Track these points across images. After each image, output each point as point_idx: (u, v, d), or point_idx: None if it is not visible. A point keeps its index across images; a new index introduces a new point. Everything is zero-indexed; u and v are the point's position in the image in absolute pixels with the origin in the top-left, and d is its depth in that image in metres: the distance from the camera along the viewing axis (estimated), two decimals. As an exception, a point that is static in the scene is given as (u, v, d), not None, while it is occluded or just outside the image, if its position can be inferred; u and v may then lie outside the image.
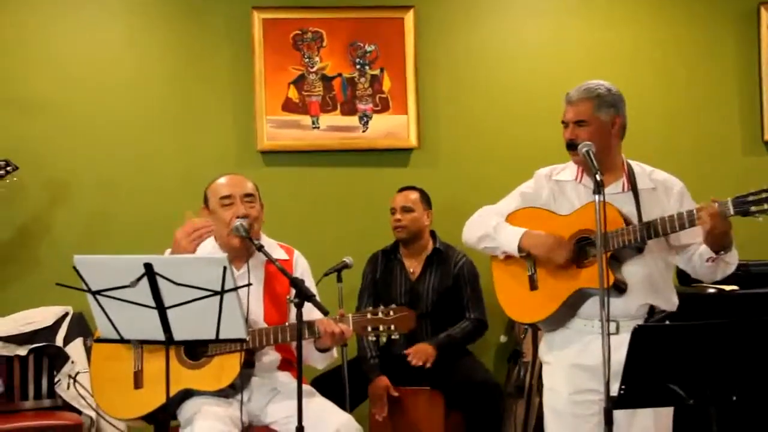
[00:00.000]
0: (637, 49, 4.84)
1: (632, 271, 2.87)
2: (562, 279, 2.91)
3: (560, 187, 3.01)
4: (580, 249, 2.91)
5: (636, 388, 2.36)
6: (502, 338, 4.58)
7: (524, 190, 3.09)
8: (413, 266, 4.19)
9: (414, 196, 4.22)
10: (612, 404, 2.47)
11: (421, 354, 3.93)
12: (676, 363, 2.33)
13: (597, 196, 2.61)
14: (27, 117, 4.43)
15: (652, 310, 2.87)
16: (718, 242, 2.75)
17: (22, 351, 4.15)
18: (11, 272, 4.40)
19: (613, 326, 2.81)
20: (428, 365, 3.90)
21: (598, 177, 2.62)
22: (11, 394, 4.13)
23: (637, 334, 2.31)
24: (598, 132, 2.88)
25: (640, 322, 2.81)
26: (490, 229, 3.05)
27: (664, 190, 2.92)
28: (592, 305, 2.87)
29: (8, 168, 4.03)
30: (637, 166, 2.98)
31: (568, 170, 3.02)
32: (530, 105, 4.73)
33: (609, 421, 2.51)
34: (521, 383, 4.17)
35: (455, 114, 4.74)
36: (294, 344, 3.02)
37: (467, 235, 3.15)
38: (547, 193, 3.02)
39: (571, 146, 2.90)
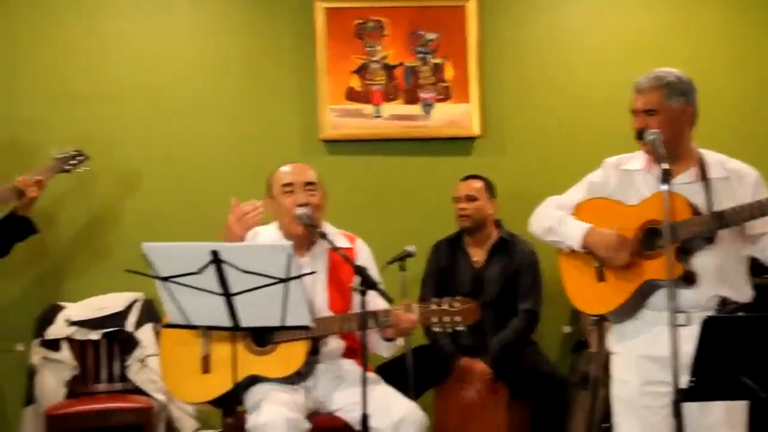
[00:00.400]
0: (711, 34, 4.73)
1: (702, 262, 2.80)
2: (630, 271, 2.86)
3: (628, 177, 2.96)
4: (649, 240, 2.86)
5: (706, 380, 2.31)
6: (567, 329, 4.54)
7: (592, 180, 3.05)
8: (477, 255, 4.18)
9: (478, 185, 4.21)
10: (681, 396, 2.43)
11: (477, 382, 3.94)
12: (747, 355, 2.27)
13: (664, 186, 2.57)
14: (97, 107, 4.52)
15: (724, 301, 2.81)
16: None
17: (95, 335, 4.26)
18: (85, 260, 4.51)
19: (683, 318, 2.76)
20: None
21: (664, 166, 2.57)
22: (86, 376, 4.24)
23: (707, 325, 2.27)
24: (668, 121, 2.82)
25: (711, 313, 2.74)
26: (554, 222, 3.03)
27: (737, 179, 2.85)
28: (661, 296, 2.82)
29: (80, 158, 4.11)
30: (710, 155, 2.91)
31: (637, 159, 2.97)
32: (597, 92, 4.66)
33: (678, 414, 2.47)
34: (586, 374, 4.13)
35: (520, 102, 4.70)
36: (359, 332, 3.04)
37: (533, 226, 3.12)
38: (615, 182, 2.98)
39: (641, 136, 2.85)
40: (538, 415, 3.88)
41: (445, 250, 4.25)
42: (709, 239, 2.78)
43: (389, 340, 3.22)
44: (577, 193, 3.06)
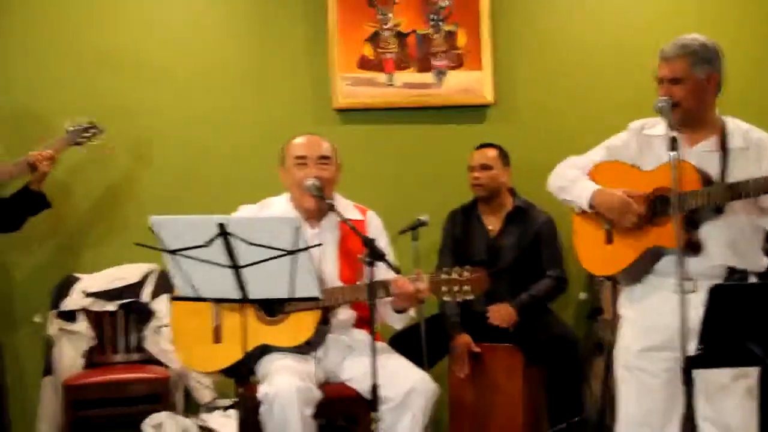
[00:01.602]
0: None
1: (710, 232, 2.79)
2: (637, 235, 2.87)
3: (648, 142, 2.95)
4: (657, 206, 2.85)
5: (714, 347, 2.30)
6: (582, 295, 4.53)
7: (612, 143, 3.04)
8: (492, 223, 4.17)
9: (492, 153, 4.18)
10: (689, 363, 2.42)
11: (502, 316, 3.92)
12: (755, 322, 2.26)
13: (671, 153, 2.55)
14: (110, 78, 4.52)
15: (732, 270, 2.79)
16: None
17: (112, 306, 4.30)
18: (101, 232, 4.54)
19: (690, 285, 2.74)
20: (510, 329, 3.89)
21: (672, 134, 2.56)
22: (103, 347, 4.29)
23: (714, 293, 2.26)
24: (693, 89, 2.80)
25: (719, 281, 2.73)
26: (567, 182, 3.05)
27: (756, 150, 2.81)
28: (667, 263, 2.83)
29: (93, 130, 4.11)
30: (734, 124, 2.87)
31: (660, 125, 2.93)
32: (610, 59, 4.60)
33: (688, 381, 2.46)
34: (601, 340, 4.12)
35: (532, 69, 4.65)
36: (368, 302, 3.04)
37: (551, 184, 3.14)
38: (635, 146, 2.97)
39: None
40: (554, 380, 3.88)
41: (460, 219, 4.24)
42: (718, 210, 2.76)
43: (400, 311, 3.22)
44: (595, 155, 3.06)
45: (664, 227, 2.81)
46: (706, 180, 2.76)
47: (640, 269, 2.90)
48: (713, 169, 2.79)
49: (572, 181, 3.03)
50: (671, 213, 2.69)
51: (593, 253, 3.01)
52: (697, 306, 2.59)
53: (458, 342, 3.96)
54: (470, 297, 3.06)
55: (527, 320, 3.95)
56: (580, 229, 3.07)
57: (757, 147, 2.82)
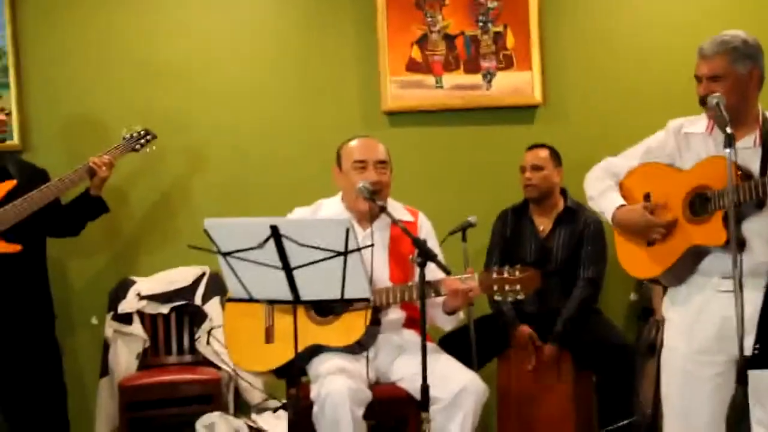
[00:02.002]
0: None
1: (753, 227, 2.74)
2: (678, 235, 2.83)
3: (687, 140, 2.91)
4: (697, 205, 2.82)
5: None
6: (633, 296, 4.47)
7: (650, 143, 3.01)
8: (543, 224, 4.14)
9: (544, 154, 4.16)
10: (746, 364, 2.38)
11: (548, 358, 3.89)
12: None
13: (728, 150, 2.52)
14: (164, 87, 4.60)
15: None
16: None
17: (165, 309, 4.37)
18: (155, 237, 4.62)
19: (732, 283, 2.64)
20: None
21: (729, 130, 2.51)
22: (156, 349, 4.36)
23: (772, 291, 2.22)
24: (734, 86, 2.75)
25: (764, 280, 2.68)
26: (596, 193, 3.05)
27: None
28: (711, 262, 2.79)
29: (148, 137, 4.18)
30: None
31: (701, 123, 2.91)
32: (659, 57, 4.54)
33: (744, 380, 2.43)
34: (653, 342, 4.07)
35: (582, 68, 4.61)
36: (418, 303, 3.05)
37: (586, 190, 3.13)
38: (673, 145, 2.93)
39: (705, 102, 2.79)
40: (605, 384, 3.85)
41: (510, 220, 4.22)
42: (760, 205, 2.71)
43: (451, 313, 3.23)
44: (632, 159, 3.03)
45: (705, 225, 2.77)
46: (747, 175, 2.72)
47: (682, 270, 2.86)
48: (754, 166, 2.75)
49: (601, 193, 3.03)
50: (712, 210, 2.70)
51: (634, 255, 2.98)
52: (743, 304, 2.58)
53: (521, 333, 3.93)
54: (521, 296, 3.05)
55: (576, 325, 3.91)
56: (621, 232, 3.03)
57: None
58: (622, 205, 2.95)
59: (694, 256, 2.82)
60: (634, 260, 2.99)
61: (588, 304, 3.99)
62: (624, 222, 2.94)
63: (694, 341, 2.84)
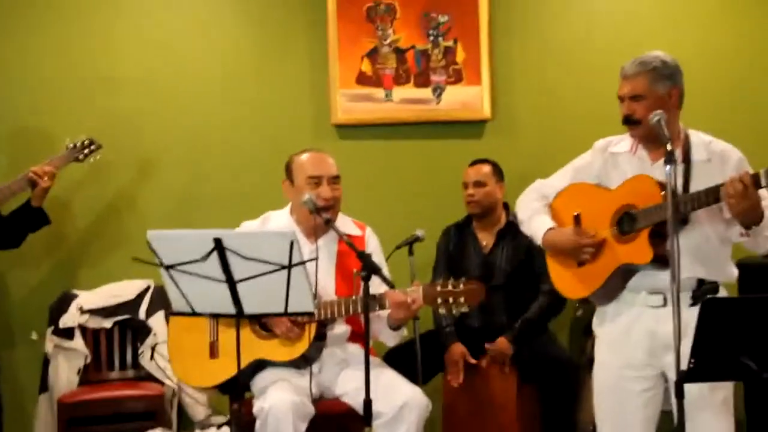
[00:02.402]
0: (719, 11, 4.65)
1: (678, 243, 2.76)
2: (607, 254, 2.88)
3: (614, 159, 2.98)
4: (623, 224, 2.87)
5: (706, 361, 2.29)
6: (579, 312, 4.50)
7: (578, 164, 3.08)
8: (486, 239, 4.15)
9: (486, 169, 4.17)
10: (682, 377, 2.41)
11: (501, 352, 3.89)
12: (748, 336, 2.25)
13: (668, 167, 2.56)
14: (111, 95, 4.53)
15: (701, 282, 2.78)
16: (745, 217, 2.64)
17: (108, 323, 4.28)
18: (99, 248, 4.54)
19: (659, 299, 2.81)
20: (506, 368, 3.88)
21: (669, 147, 2.56)
22: (98, 364, 4.27)
23: (706, 306, 2.26)
24: (655, 105, 2.81)
25: (689, 294, 2.74)
26: (525, 217, 3.10)
27: (720, 162, 2.82)
28: (638, 278, 2.85)
29: (92, 147, 4.13)
30: (696, 137, 2.90)
31: (624, 142, 2.99)
32: (606, 75, 4.48)
33: (680, 395, 2.45)
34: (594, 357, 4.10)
35: (530, 84, 4.65)
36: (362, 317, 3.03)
37: (517, 214, 3.19)
38: (600, 165, 3.00)
39: (627, 121, 2.88)
40: (548, 399, 3.85)
41: (453, 235, 4.23)
42: (683, 221, 2.77)
43: (396, 328, 3.22)
44: (561, 180, 3.09)
45: (631, 244, 2.82)
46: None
47: (612, 288, 2.91)
48: (678, 182, 2.79)
49: (530, 216, 3.08)
50: (638, 228, 2.78)
51: (565, 276, 3.03)
52: (667, 320, 2.63)
53: (453, 351, 3.93)
54: (465, 309, 3.06)
55: (527, 340, 3.93)
56: (552, 253, 3.08)
57: (720, 158, 2.83)
58: (551, 228, 3.00)
59: (624, 274, 2.87)
60: (565, 281, 3.04)
61: (551, 313, 4.01)
62: (553, 244, 2.99)
63: (622, 357, 2.89)
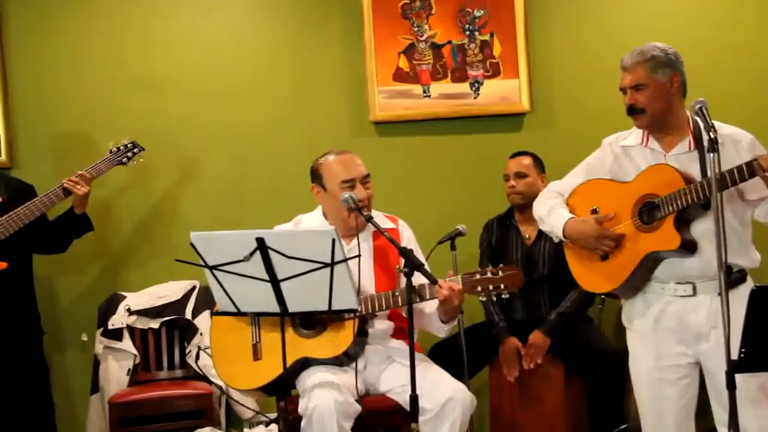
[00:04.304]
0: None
1: (702, 230, 2.79)
2: (632, 245, 2.88)
3: (626, 153, 2.98)
4: (645, 214, 2.87)
5: (757, 351, 2.26)
6: (600, 306, 4.46)
7: (589, 161, 3.10)
8: (529, 232, 4.14)
9: (527, 161, 4.16)
10: (733, 368, 2.38)
11: (538, 348, 3.87)
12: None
13: (711, 155, 2.55)
14: (151, 98, 4.60)
15: (729, 269, 2.74)
16: None
17: (155, 324, 4.35)
18: (145, 251, 4.60)
19: (689, 288, 2.81)
20: (539, 362, 3.87)
21: (712, 135, 2.54)
22: (147, 364, 4.34)
23: (756, 296, 2.23)
24: (656, 93, 2.84)
25: (717, 282, 2.63)
26: (544, 213, 3.10)
27: (732, 145, 2.81)
28: (665, 268, 2.84)
29: (135, 150, 4.17)
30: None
31: (634, 135, 2.99)
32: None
33: (731, 385, 2.42)
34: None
35: (569, 75, 4.62)
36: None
37: (535, 214, 3.19)
38: (612, 159, 3.01)
39: (632, 111, 2.89)
40: (595, 391, 3.83)
41: (495, 229, 4.22)
42: (705, 206, 2.76)
43: (446, 322, 3.22)
44: (575, 178, 3.10)
45: (657, 232, 2.82)
46: (688, 179, 2.78)
47: (639, 279, 2.90)
48: (693, 169, 2.82)
49: (549, 212, 3.07)
50: (662, 216, 2.79)
51: (589, 271, 3.02)
52: (697, 309, 2.67)
53: (507, 345, 3.92)
54: (506, 295, 3.05)
55: (567, 332, 3.91)
56: (572, 251, 3.07)
57: (732, 141, 2.82)
58: (572, 218, 2.99)
59: (650, 265, 2.86)
60: (588, 276, 3.03)
61: (583, 308, 3.99)
62: (575, 234, 2.98)
63: (655, 348, 2.89)
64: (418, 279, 2.97)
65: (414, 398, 2.79)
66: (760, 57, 4.59)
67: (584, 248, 2.99)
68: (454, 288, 3.03)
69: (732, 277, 2.75)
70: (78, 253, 4.35)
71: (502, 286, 3.02)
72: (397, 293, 3.14)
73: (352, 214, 3.24)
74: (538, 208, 3.15)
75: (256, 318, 3.17)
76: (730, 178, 2.66)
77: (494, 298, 3.09)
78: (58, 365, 4.46)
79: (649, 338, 2.90)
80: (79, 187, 3.90)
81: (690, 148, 2.85)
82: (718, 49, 4.53)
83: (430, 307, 3.22)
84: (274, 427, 4.08)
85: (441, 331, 3.31)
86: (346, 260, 2.78)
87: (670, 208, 2.77)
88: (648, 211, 2.86)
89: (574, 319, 3.95)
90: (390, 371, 3.22)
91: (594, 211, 2.96)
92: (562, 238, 3.03)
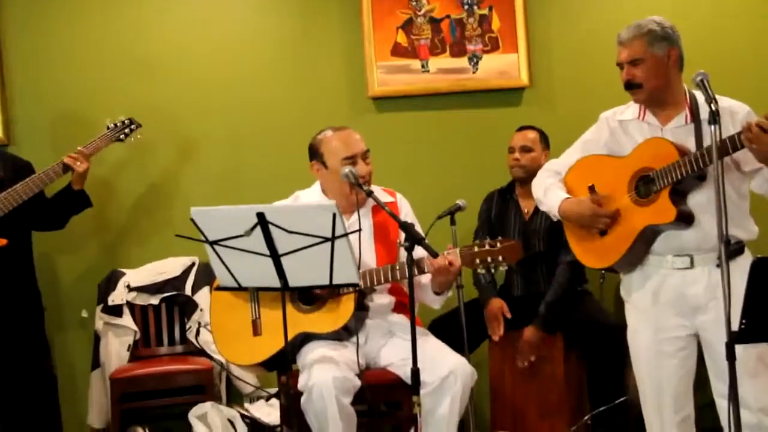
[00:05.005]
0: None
1: (698, 202, 2.80)
2: (629, 219, 2.89)
3: (623, 127, 2.98)
4: (641, 188, 2.87)
5: (757, 322, 2.27)
6: (602, 281, 4.47)
7: (586, 138, 3.11)
8: (528, 206, 4.13)
9: (533, 135, 4.16)
10: (733, 338, 2.39)
11: (532, 344, 3.88)
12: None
13: (713, 126, 2.55)
14: (150, 76, 4.57)
15: (727, 241, 2.71)
16: None
17: (155, 300, 4.35)
18: (145, 227, 4.60)
19: (686, 261, 2.82)
20: (533, 359, 3.88)
21: (713, 107, 2.54)
22: (147, 340, 4.35)
23: (756, 267, 2.24)
24: (654, 68, 2.84)
25: (714, 254, 2.70)
26: (541, 194, 3.11)
27: (729, 117, 2.80)
28: (663, 241, 2.86)
29: (132, 126, 4.16)
30: (701, 96, 2.85)
31: (630, 110, 2.99)
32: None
33: (731, 357, 2.44)
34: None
35: (568, 49, 4.59)
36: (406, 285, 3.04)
37: (533, 194, 3.21)
38: (608, 134, 3.01)
39: (629, 86, 2.89)
40: (595, 365, 3.85)
41: (496, 201, 4.22)
42: (701, 178, 2.77)
43: (439, 293, 3.23)
44: (572, 155, 3.11)
45: (653, 206, 2.83)
46: (683, 152, 2.78)
47: (637, 254, 2.91)
48: (690, 142, 2.82)
49: (545, 193, 3.09)
50: (657, 189, 2.79)
51: (588, 247, 3.03)
52: (695, 282, 2.71)
53: (491, 306, 3.95)
54: (504, 267, 3.06)
55: (565, 307, 3.91)
56: (571, 228, 3.08)
57: (729, 113, 2.80)
58: (567, 198, 3.01)
59: (647, 238, 2.87)
60: (588, 253, 3.04)
61: (571, 287, 3.97)
62: (570, 214, 3.00)
63: (653, 321, 2.91)
64: (418, 252, 2.97)
65: (416, 371, 2.80)
66: (761, 36, 4.56)
67: (582, 227, 3.00)
68: (454, 263, 3.03)
69: (730, 249, 2.73)
70: (77, 231, 4.35)
71: (501, 258, 3.03)
72: (396, 267, 3.14)
73: (353, 189, 3.24)
74: (536, 188, 3.17)
75: (255, 294, 3.18)
76: (722, 146, 2.64)
77: (493, 271, 3.08)
78: (58, 342, 4.47)
79: (648, 311, 2.91)
80: (79, 163, 3.90)
81: (686, 121, 2.86)
82: (718, 25, 4.51)
83: (425, 278, 3.23)
84: (274, 401, 4.09)
85: (435, 302, 3.33)
86: (346, 234, 2.78)
87: (665, 180, 2.78)
88: (644, 185, 2.86)
89: (565, 300, 3.93)
90: (390, 345, 3.24)
91: (591, 189, 2.96)
92: (559, 218, 3.05)
